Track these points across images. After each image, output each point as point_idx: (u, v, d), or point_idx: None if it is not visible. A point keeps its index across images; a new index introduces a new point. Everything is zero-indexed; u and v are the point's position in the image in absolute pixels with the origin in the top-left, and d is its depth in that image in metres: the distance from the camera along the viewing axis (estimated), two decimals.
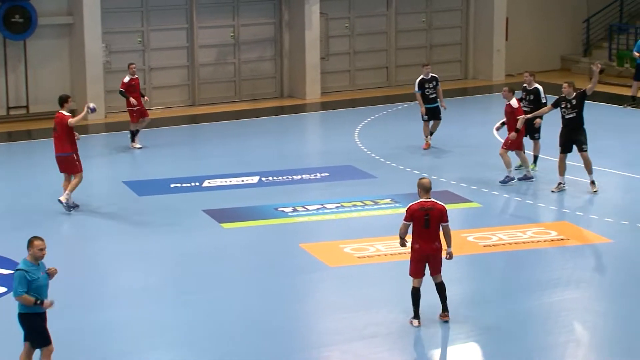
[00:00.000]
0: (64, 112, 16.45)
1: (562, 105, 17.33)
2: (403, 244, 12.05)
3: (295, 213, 16.52)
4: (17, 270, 10.09)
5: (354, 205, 16.88)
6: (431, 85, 20.86)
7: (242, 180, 18.64)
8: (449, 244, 11.97)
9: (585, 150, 17.23)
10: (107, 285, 13.67)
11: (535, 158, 18.90)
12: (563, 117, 17.40)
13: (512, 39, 29.14)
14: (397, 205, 16.88)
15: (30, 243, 10.15)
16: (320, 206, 16.84)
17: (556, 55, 30.45)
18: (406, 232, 11.97)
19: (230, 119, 23.89)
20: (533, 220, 16.28)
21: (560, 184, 17.42)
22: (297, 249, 14.80)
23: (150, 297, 13.12)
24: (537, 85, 18.96)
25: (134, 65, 21.24)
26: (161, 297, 13.17)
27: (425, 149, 20.77)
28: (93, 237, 15.84)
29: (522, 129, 17.83)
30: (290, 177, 18.92)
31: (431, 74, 20.95)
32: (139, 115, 21.01)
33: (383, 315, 12.37)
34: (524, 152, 18.09)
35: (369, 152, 20.70)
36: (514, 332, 11.82)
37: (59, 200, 16.51)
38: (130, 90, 20.88)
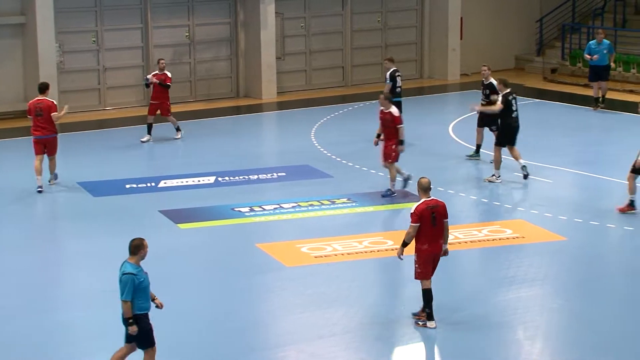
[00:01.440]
0: (48, 98, 17.83)
1: (512, 101, 17.90)
2: (402, 252, 11.86)
3: (252, 213, 16.49)
4: (125, 274, 10.06)
5: (311, 205, 16.88)
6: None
7: (199, 181, 18.57)
8: (445, 241, 11.94)
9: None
10: (62, 287, 13.54)
11: (478, 147, 19.43)
12: (513, 113, 17.89)
13: (467, 38, 29.34)
14: (353, 204, 16.91)
15: (140, 245, 10.19)
16: (277, 206, 16.82)
17: (510, 54, 30.70)
18: (414, 236, 11.75)
19: (186, 119, 23.77)
20: (489, 218, 16.39)
21: (494, 175, 17.97)
22: (254, 249, 14.77)
23: (106, 299, 12.99)
24: (492, 80, 19.17)
25: (163, 61, 21.84)
26: (116, 298, 13.04)
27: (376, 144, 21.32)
28: (48, 238, 15.69)
29: (391, 140, 16.97)
30: (246, 177, 18.88)
31: (394, 68, 21.21)
32: (153, 110, 21.69)
33: (340, 314, 12.39)
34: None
35: (325, 152, 20.72)
36: (470, 330, 11.89)
37: (51, 183, 17.97)
38: (155, 85, 21.59)
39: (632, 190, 15.96)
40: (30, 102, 18.04)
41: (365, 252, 14.63)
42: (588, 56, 24.38)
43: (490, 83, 19.12)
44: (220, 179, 18.65)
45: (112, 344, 11.60)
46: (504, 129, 18.00)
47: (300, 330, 11.87)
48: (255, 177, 18.88)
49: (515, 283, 13.34)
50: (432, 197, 11.98)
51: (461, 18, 29.15)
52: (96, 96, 25.50)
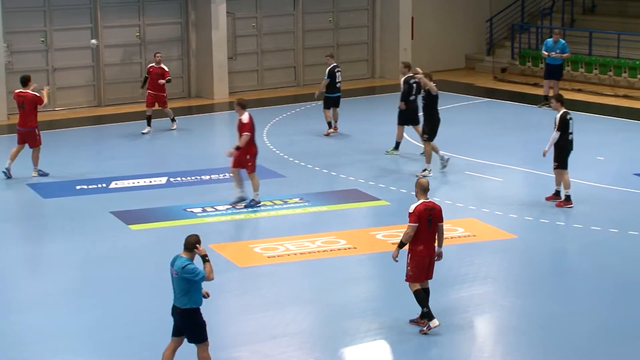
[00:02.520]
0: (30, 91, 18.40)
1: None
2: (398, 253, 11.72)
3: (205, 213, 16.43)
4: (187, 265, 10.20)
5: (264, 205, 16.86)
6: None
7: (150, 181, 18.46)
8: (440, 244, 11.84)
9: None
10: (12, 290, 13.38)
11: (397, 144, 19.94)
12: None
13: (418, 38, 29.50)
14: (306, 204, 16.92)
15: (197, 242, 10.32)
16: (230, 206, 16.77)
17: (461, 54, 30.93)
18: (412, 237, 11.64)
19: (137, 120, 23.62)
20: None
21: (425, 169, 18.28)
22: (207, 249, 14.67)
23: (56, 301, 12.89)
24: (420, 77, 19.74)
25: (159, 55, 22.64)
26: (67, 300, 12.96)
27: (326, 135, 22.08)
28: None
29: (244, 149, 16.64)
30: (198, 177, 18.80)
31: (334, 64, 22.11)
32: (151, 101, 22.48)
33: (293, 314, 12.40)
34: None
35: (277, 152, 20.71)
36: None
37: (37, 174, 18.63)
38: (151, 77, 22.39)
39: (558, 183, 16.57)
40: (14, 93, 18.89)
41: (318, 251, 14.65)
42: (546, 53, 24.62)
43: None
44: (172, 179, 18.56)
45: (62, 347, 11.50)
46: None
47: (253, 331, 11.86)
48: (208, 177, 18.81)
49: (467, 281, 13.44)
50: (429, 199, 11.85)
51: (412, 18, 29.31)
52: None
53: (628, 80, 26.84)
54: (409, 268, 11.84)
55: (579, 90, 26.48)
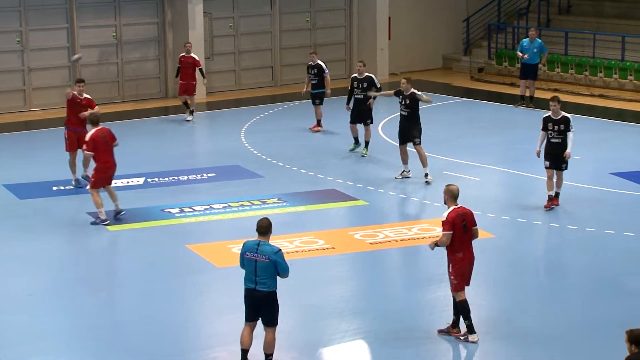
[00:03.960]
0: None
1: (400, 100, 18.10)
2: (433, 247, 11.81)
3: (182, 214, 16.38)
4: (279, 251, 10.55)
5: (242, 205, 16.84)
6: (312, 72, 22.27)
7: (128, 182, 18.39)
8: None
9: (418, 144, 18.01)
10: None
11: (367, 143, 19.95)
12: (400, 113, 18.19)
13: (395, 38, 29.55)
14: (284, 204, 16.91)
15: (270, 225, 10.57)
16: (207, 207, 16.74)
17: (438, 54, 31.01)
18: (448, 244, 11.53)
19: (114, 120, 23.53)
20: (418, 217, 16.52)
21: (404, 171, 18.30)
22: (185, 250, 14.68)
23: (35, 302, 12.83)
24: (368, 74, 20.16)
25: (189, 44, 23.66)
26: (46, 301, 12.89)
27: (314, 131, 22.24)
28: None
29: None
30: (176, 177, 18.75)
31: (317, 62, 22.23)
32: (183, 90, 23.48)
33: None
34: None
35: (255, 152, 20.69)
36: (400, 328, 11.97)
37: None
38: (182, 65, 23.33)
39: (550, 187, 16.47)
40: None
41: (297, 251, 14.64)
42: (520, 54, 24.73)
43: (368, 76, 20.04)
44: (149, 180, 18.50)
45: (41, 348, 11.44)
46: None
47: (231, 332, 11.82)
48: (185, 178, 18.77)
49: (445, 281, 13.42)
50: (459, 205, 11.76)
51: (389, 18, 29.35)
52: (21, 97, 25.10)
53: (604, 80, 26.99)
54: (452, 277, 11.62)
55: (555, 90, 26.56)
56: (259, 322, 10.80)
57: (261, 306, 10.63)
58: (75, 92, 17.85)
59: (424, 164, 18.05)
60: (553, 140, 16.34)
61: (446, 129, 22.65)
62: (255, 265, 10.52)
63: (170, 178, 18.72)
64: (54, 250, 14.84)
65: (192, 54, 23.49)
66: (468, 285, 11.75)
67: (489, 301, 12.93)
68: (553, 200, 16.42)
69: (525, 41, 24.79)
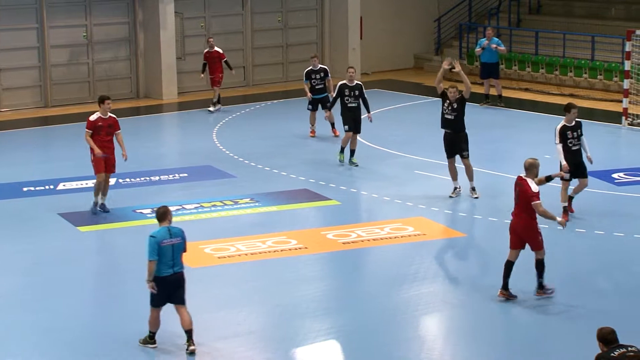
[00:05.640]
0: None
1: (445, 105, 16.99)
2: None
3: (154, 215, 16.26)
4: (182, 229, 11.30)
5: (214, 206, 16.80)
6: (318, 77, 21.53)
7: None
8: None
9: (467, 157, 16.98)
10: None
11: (353, 152, 19.18)
12: (443, 117, 17.11)
13: (367, 38, 29.58)
14: (256, 204, 16.90)
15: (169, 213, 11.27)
16: (180, 207, 16.69)
17: (409, 53, 31.08)
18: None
19: (84, 121, 23.35)
20: (391, 216, 16.55)
21: (455, 188, 17.14)
22: None
23: (5, 304, 12.73)
24: (358, 82, 19.46)
25: (212, 39, 24.53)
26: (16, 303, 12.80)
27: (312, 136, 21.60)
28: None
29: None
30: (148, 178, 18.68)
31: (320, 65, 21.71)
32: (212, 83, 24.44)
33: (244, 314, 12.38)
34: None
35: (227, 152, 20.65)
36: (374, 327, 12.00)
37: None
38: (210, 60, 24.24)
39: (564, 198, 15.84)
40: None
41: (269, 251, 14.63)
42: (479, 49, 24.83)
43: (358, 84, 19.33)
44: (121, 180, 18.40)
45: (11, 350, 11.36)
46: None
47: (204, 332, 11.80)
48: (157, 178, 18.70)
49: (417, 280, 13.51)
50: (523, 175, 12.65)
51: (361, 17, 29.39)
52: None
53: (574, 80, 27.17)
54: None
55: (526, 90, 26.74)
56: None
57: (177, 288, 11.19)
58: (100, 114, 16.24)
59: (471, 178, 17.05)
60: (574, 148, 15.53)
61: (417, 128, 22.72)
62: (172, 249, 11.09)
63: (142, 178, 18.65)
64: (24, 252, 14.73)
65: (216, 48, 24.22)
66: (516, 247, 12.64)
67: (461, 300, 12.98)
68: (568, 209, 15.78)
69: (483, 41, 24.90)
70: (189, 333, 11.21)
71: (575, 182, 15.80)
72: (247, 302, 12.79)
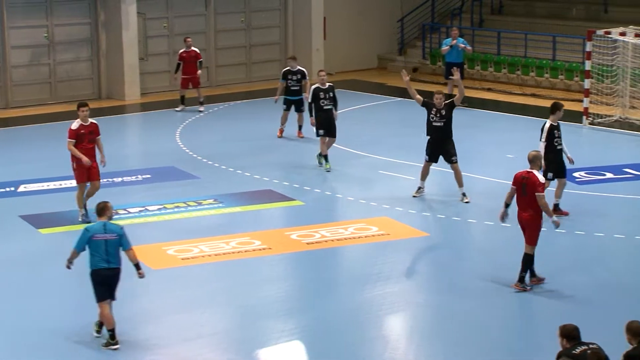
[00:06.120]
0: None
1: (432, 113, 16.78)
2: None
3: (117, 216, 16.12)
4: (123, 227, 11.57)
5: (177, 207, 16.73)
6: (295, 78, 21.38)
7: (60, 184, 18.16)
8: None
9: (456, 162, 16.82)
10: None
11: (326, 157, 18.91)
12: (430, 125, 16.90)
13: (330, 38, 29.60)
14: (220, 205, 16.84)
15: (108, 208, 11.52)
16: (142, 208, 16.59)
17: (373, 54, 31.13)
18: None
19: (46, 122, 23.25)
20: (354, 216, 16.55)
21: (420, 188, 17.13)
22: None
23: None
24: (330, 83, 19.36)
25: (190, 39, 24.42)
26: None
27: (279, 137, 21.45)
28: None
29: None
30: (110, 179, 18.53)
31: (298, 67, 21.52)
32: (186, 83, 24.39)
33: (207, 316, 12.33)
34: None
35: (191, 153, 20.56)
36: (337, 327, 12.00)
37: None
38: (186, 60, 24.17)
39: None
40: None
41: (233, 252, 14.59)
42: (446, 47, 24.93)
43: (331, 86, 19.22)
44: None
45: None
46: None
47: (167, 334, 11.75)
48: (120, 179, 18.58)
49: (381, 279, 13.53)
50: (528, 169, 12.97)
51: (324, 18, 29.40)
52: None
53: (535, 79, 27.36)
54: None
55: (489, 90, 26.89)
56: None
57: (112, 283, 11.43)
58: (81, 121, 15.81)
59: (461, 184, 16.90)
60: (559, 147, 15.62)
61: (381, 128, 22.76)
62: (106, 244, 11.29)
63: (104, 180, 18.42)
64: None
65: (193, 48, 24.25)
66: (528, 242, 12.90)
67: (425, 299, 13.02)
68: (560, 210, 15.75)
69: (448, 40, 25.00)
70: (113, 331, 11.35)
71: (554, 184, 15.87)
72: (211, 303, 12.74)
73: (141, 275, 11.59)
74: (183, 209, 16.62)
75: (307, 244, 15.04)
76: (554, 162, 15.48)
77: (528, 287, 12.89)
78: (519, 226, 13.10)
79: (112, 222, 11.52)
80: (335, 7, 29.86)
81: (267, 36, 29.20)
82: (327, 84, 19.28)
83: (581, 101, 22.90)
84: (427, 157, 16.98)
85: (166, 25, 27.46)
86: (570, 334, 8.79)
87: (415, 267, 14.32)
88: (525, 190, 12.90)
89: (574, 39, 26.21)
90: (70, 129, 15.82)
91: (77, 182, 15.94)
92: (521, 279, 12.92)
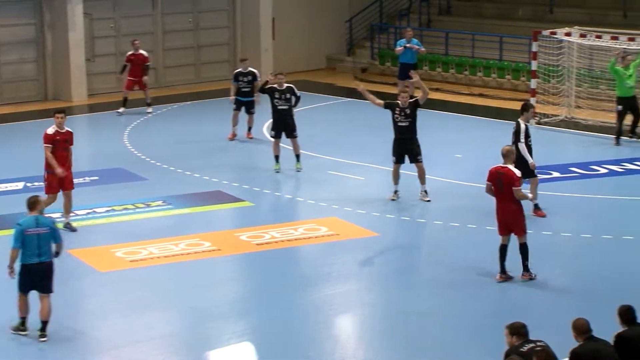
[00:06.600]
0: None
1: (396, 113, 16.78)
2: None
3: (64, 219, 16.01)
4: (55, 220, 12.12)
5: (125, 209, 16.60)
6: (246, 79, 21.25)
7: (6, 187, 17.95)
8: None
9: (421, 161, 16.79)
10: None
11: (298, 156, 18.88)
12: (395, 125, 16.90)
13: (279, 38, 29.56)
14: (169, 206, 16.74)
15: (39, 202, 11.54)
16: (90, 210, 16.44)
17: (321, 54, 31.15)
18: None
19: None
20: (304, 217, 16.57)
21: (396, 192, 16.98)
22: (66, 255, 14.29)
23: None
24: (288, 84, 19.17)
25: (137, 42, 24.17)
26: None
27: (230, 139, 21.22)
28: None
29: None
30: None
31: (250, 69, 21.34)
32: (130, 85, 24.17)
33: (156, 318, 12.25)
34: None
35: (139, 154, 20.42)
36: (288, 328, 11.99)
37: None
38: (134, 62, 23.98)
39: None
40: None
41: (182, 254, 14.51)
42: (400, 48, 25.04)
43: (289, 87, 19.09)
44: (29, 184, 18.06)
45: None
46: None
47: (115, 336, 11.66)
48: None
49: (331, 280, 13.55)
50: (503, 164, 13.14)
51: (273, 19, 29.36)
52: None
53: (483, 80, 27.59)
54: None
55: (437, 90, 27.01)
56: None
57: (43, 277, 11.42)
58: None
59: (423, 181, 16.87)
60: (530, 147, 15.93)
61: (330, 128, 22.79)
62: (38, 238, 11.34)
63: None
64: None
65: (141, 51, 23.99)
66: (504, 233, 13.15)
67: (374, 299, 13.06)
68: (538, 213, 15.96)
69: (403, 41, 25.12)
70: (44, 324, 11.42)
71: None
72: (160, 305, 12.66)
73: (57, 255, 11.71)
74: (131, 211, 16.50)
75: (257, 244, 15.00)
76: (525, 161, 15.63)
77: (533, 275, 13.19)
78: (496, 221, 13.24)
79: (43, 215, 11.55)
80: (284, 7, 29.83)
81: (215, 37, 29.09)
82: (286, 85, 19.12)
83: (528, 101, 23.10)
84: (394, 159, 16.96)
85: (113, 25, 27.23)
86: (518, 331, 8.90)
87: (364, 267, 14.36)
88: (501, 185, 13.09)
89: (521, 39, 26.46)
90: (46, 134, 15.22)
91: (46, 193, 15.17)
92: (525, 267, 13.23)
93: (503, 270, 13.25)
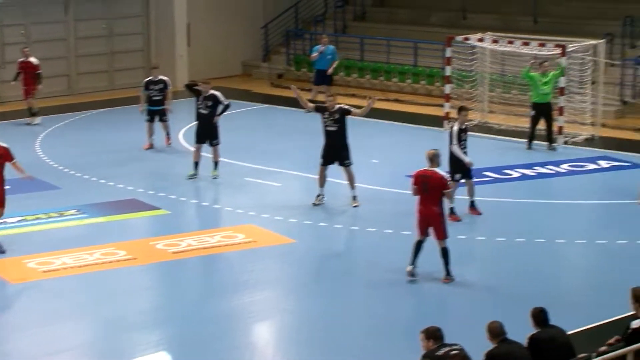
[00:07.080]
0: None
1: (325, 117, 16.73)
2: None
3: None
4: None
5: (38, 218, 16.30)
6: (157, 88, 21.01)
7: None
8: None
9: (349, 165, 16.87)
10: None
11: (216, 164, 18.80)
12: (324, 130, 16.88)
13: (194, 44, 29.40)
14: (83, 215, 16.48)
15: None
16: (1, 221, 16.07)
17: (237, 60, 31.07)
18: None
19: None
20: (221, 224, 16.47)
21: (319, 195, 17.00)
22: None
23: None
24: (213, 92, 19.00)
25: (27, 49, 23.81)
26: None
27: (146, 149, 20.92)
28: None
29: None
30: None
31: (160, 77, 21.12)
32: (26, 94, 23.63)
33: (70, 328, 12.06)
34: None
35: (52, 163, 20.08)
36: (205, 336, 11.89)
37: None
38: (25, 70, 23.52)
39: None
40: None
41: (97, 263, 14.29)
42: (315, 54, 25.09)
43: (213, 94, 18.94)
44: None
45: None
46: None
47: (27, 348, 11.43)
48: None
49: (249, 287, 13.49)
50: (429, 167, 13.22)
51: (188, 24, 29.18)
52: None
53: (398, 85, 27.83)
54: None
55: (353, 95, 27.14)
56: None
57: None
58: None
59: (353, 186, 16.92)
60: (465, 150, 16.19)
61: (246, 135, 22.72)
62: None
63: None
64: None
65: (31, 59, 23.50)
66: (425, 234, 13.34)
67: (292, 305, 13.04)
68: (472, 211, 16.36)
69: (317, 47, 25.22)
70: None
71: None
72: (74, 316, 12.45)
73: None
74: (44, 221, 16.21)
75: (173, 253, 14.86)
76: (461, 163, 16.03)
77: (453, 278, 13.34)
78: (417, 223, 13.38)
79: None
80: (199, 13, 29.68)
81: (129, 43, 28.79)
82: (210, 92, 18.86)
83: (442, 106, 23.39)
84: (321, 161, 16.98)
85: (24, 32, 26.74)
86: (434, 335, 8.98)
87: (282, 273, 14.33)
88: (427, 188, 13.20)
89: (434, 44, 26.76)
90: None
91: None
92: (448, 272, 13.34)
93: (413, 261, 13.40)
